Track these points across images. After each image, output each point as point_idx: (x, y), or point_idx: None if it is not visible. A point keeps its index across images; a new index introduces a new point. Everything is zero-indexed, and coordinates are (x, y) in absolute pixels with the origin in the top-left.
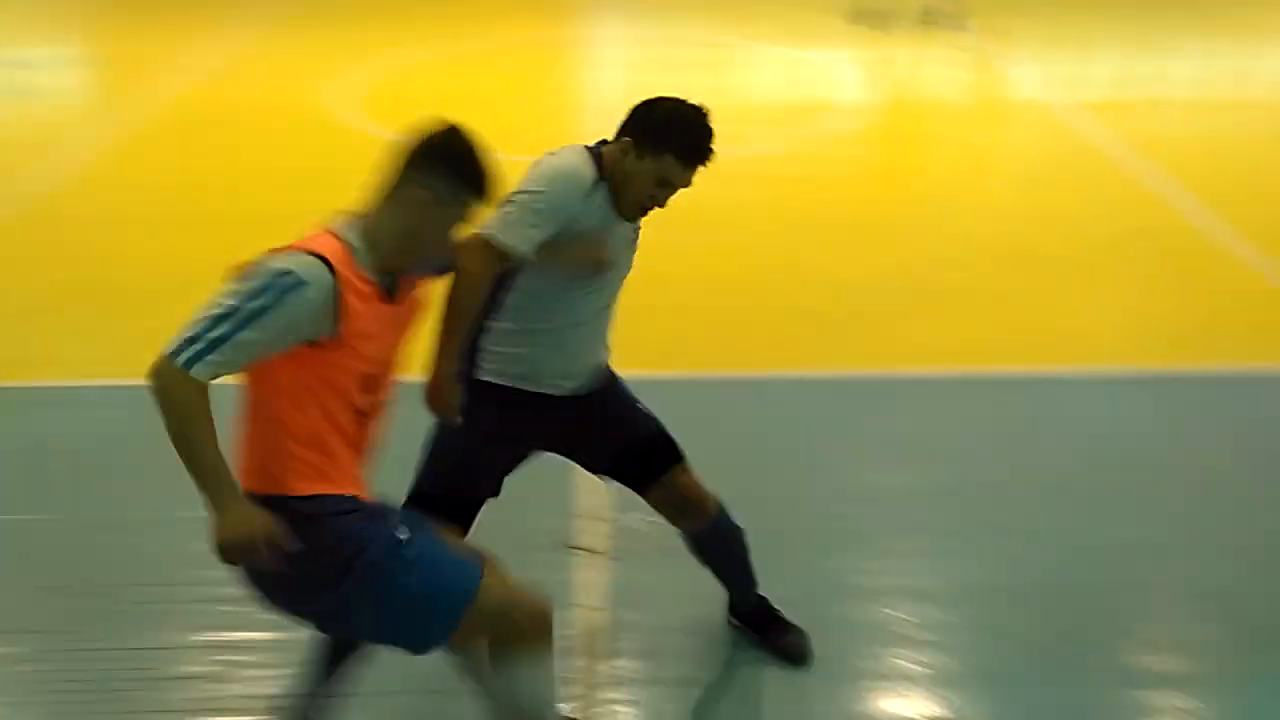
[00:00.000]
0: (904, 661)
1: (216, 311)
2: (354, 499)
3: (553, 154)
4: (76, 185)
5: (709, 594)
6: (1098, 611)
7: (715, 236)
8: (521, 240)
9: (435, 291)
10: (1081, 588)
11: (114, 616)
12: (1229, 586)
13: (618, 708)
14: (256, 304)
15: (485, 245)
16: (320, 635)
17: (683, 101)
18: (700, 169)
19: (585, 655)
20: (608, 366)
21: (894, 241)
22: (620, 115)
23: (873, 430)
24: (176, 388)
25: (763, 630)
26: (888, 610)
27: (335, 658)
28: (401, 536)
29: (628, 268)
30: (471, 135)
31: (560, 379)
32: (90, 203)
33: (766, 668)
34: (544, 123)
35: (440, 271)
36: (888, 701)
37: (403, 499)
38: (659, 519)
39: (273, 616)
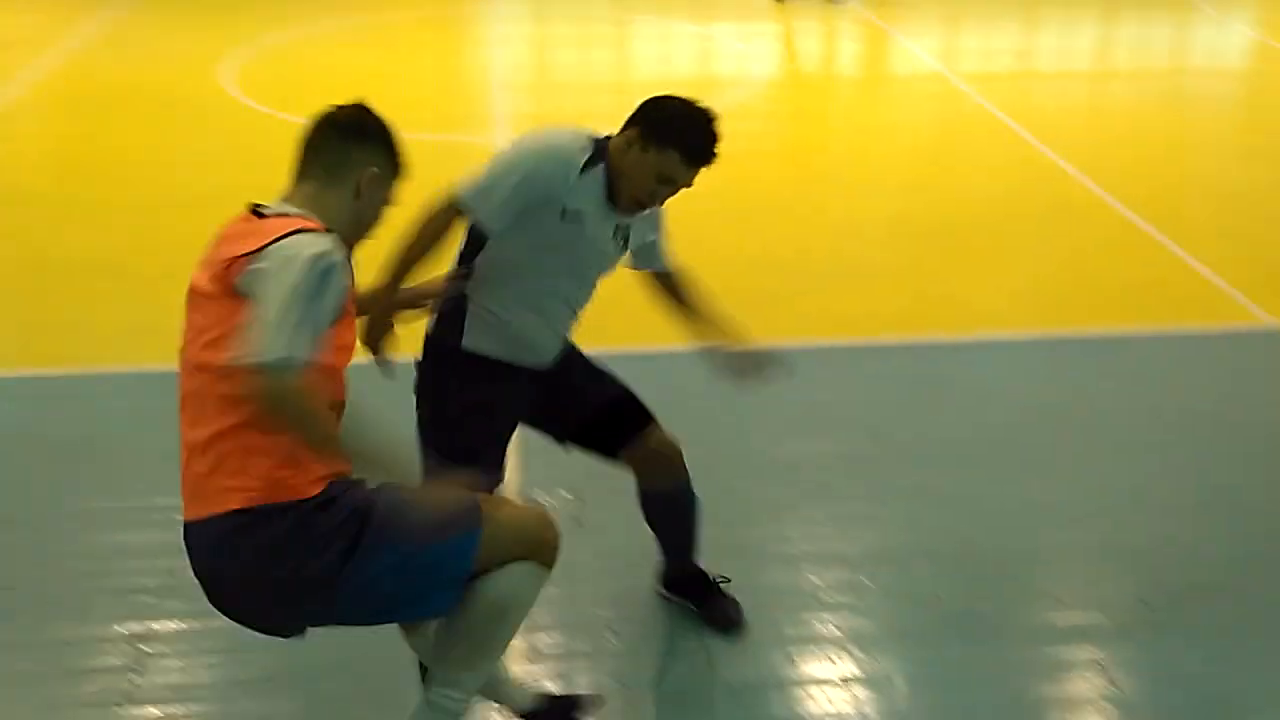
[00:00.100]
0: (824, 625)
1: (280, 306)
2: (345, 476)
3: (550, 129)
4: None
5: (626, 566)
6: (1011, 572)
7: None
8: (483, 203)
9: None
10: (995, 549)
11: (23, 612)
12: (1141, 545)
13: (543, 681)
14: (312, 289)
15: (449, 201)
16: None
17: (694, 101)
18: (702, 170)
19: None
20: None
21: (796, 216)
22: (533, 93)
23: (786, 400)
24: (288, 397)
25: (700, 599)
26: (807, 575)
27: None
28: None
29: (610, 260)
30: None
31: (541, 353)
32: None
33: (685, 636)
34: (453, 100)
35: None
36: (809, 665)
37: None
38: (570, 494)
39: (186, 605)
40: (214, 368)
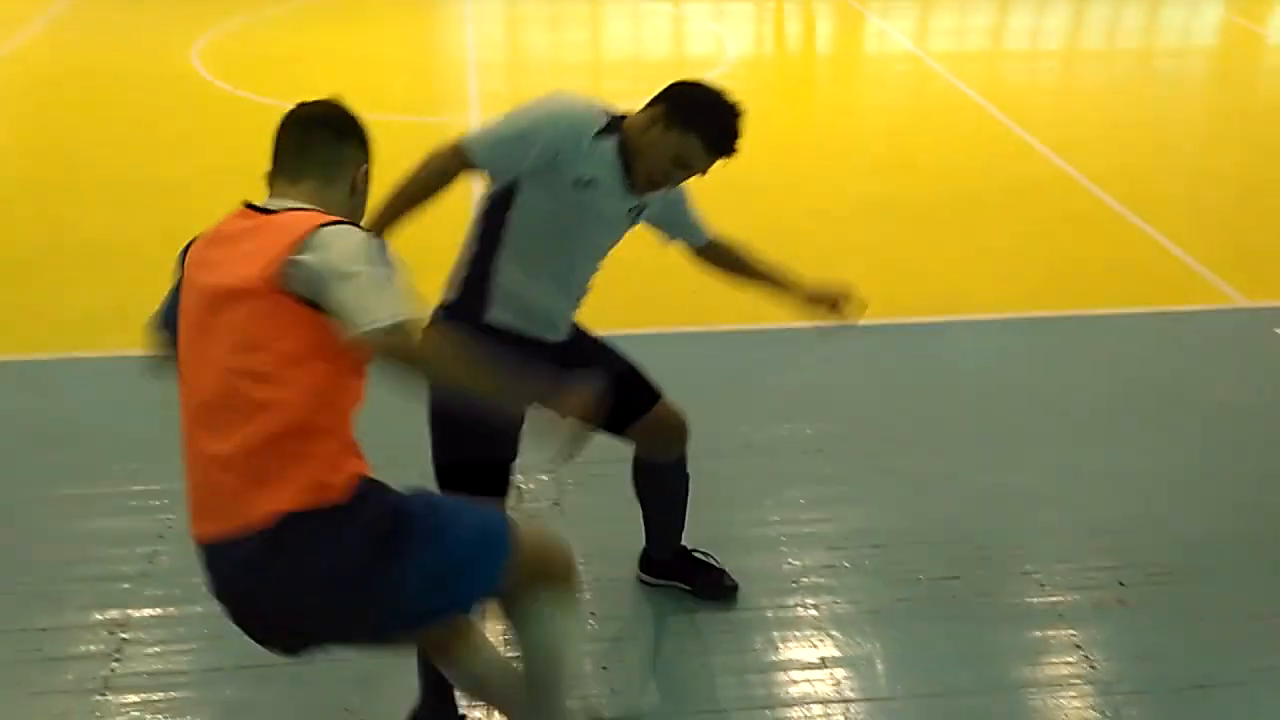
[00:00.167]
0: (804, 608)
1: (373, 276)
2: (368, 475)
3: (566, 93)
4: None
5: (605, 551)
6: (990, 553)
7: None
8: (486, 148)
9: None
10: (973, 530)
11: (1, 599)
12: (1117, 525)
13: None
14: (387, 264)
15: (454, 144)
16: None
17: (724, 91)
18: (720, 161)
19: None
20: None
21: (769, 197)
22: (506, 72)
23: (763, 383)
24: (426, 346)
25: (689, 576)
26: (787, 558)
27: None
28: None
29: (619, 234)
30: None
31: (558, 327)
32: None
33: (666, 620)
34: (426, 81)
35: None
36: (790, 647)
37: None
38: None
39: (165, 592)
40: (253, 371)
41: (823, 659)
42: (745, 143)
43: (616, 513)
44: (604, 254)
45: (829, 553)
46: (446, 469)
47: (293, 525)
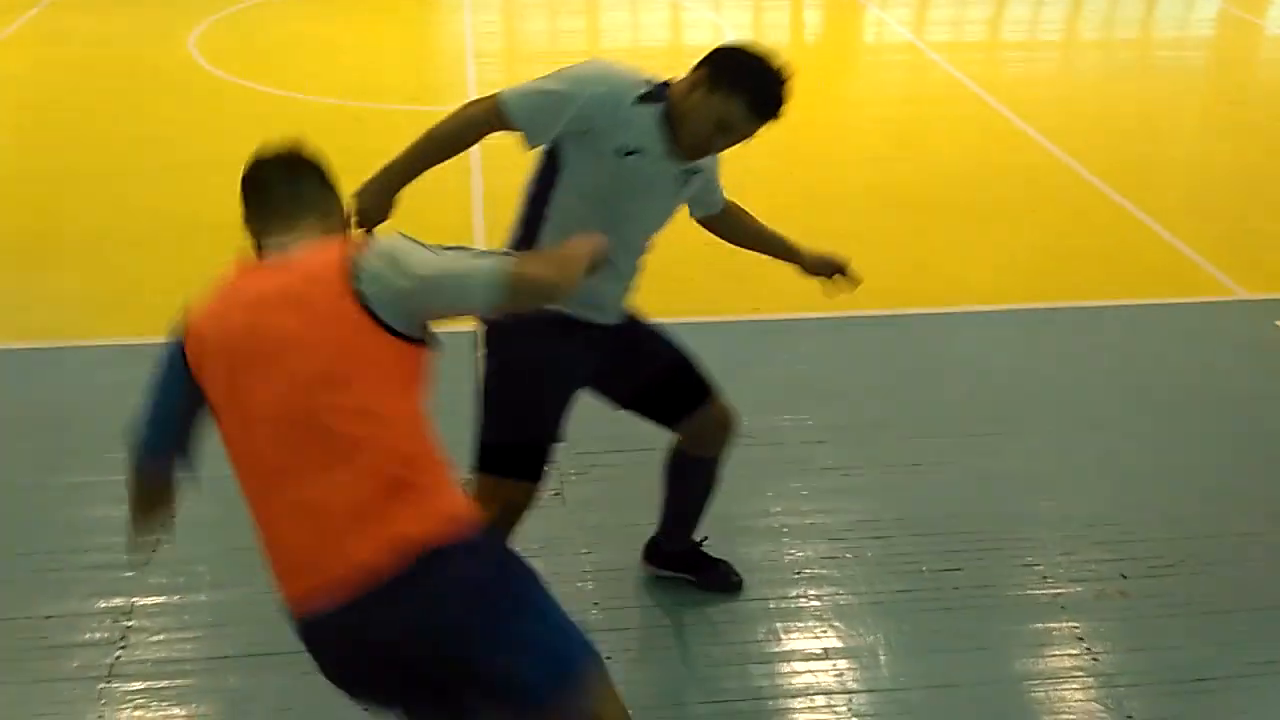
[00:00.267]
0: (806, 598)
1: (444, 257)
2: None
3: (609, 60)
4: None
5: (609, 541)
6: (992, 543)
7: None
8: (522, 106)
9: None
10: (976, 521)
11: (4, 588)
12: (1118, 516)
13: None
14: (421, 242)
15: (493, 97)
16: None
17: (770, 53)
18: (766, 125)
19: None
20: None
21: (769, 187)
22: (507, 61)
23: (765, 373)
24: (529, 272)
25: (696, 569)
26: (789, 548)
27: None
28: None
29: (668, 209)
30: None
31: (609, 310)
32: None
33: (669, 609)
34: (423, 69)
35: None
36: (792, 637)
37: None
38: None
39: (169, 580)
40: (344, 409)
41: (825, 649)
42: None
43: (617, 502)
44: (654, 230)
45: (831, 544)
46: (492, 448)
47: (433, 559)
